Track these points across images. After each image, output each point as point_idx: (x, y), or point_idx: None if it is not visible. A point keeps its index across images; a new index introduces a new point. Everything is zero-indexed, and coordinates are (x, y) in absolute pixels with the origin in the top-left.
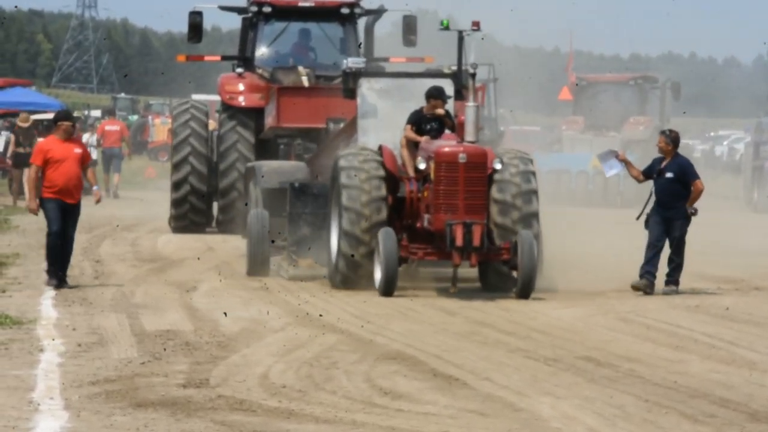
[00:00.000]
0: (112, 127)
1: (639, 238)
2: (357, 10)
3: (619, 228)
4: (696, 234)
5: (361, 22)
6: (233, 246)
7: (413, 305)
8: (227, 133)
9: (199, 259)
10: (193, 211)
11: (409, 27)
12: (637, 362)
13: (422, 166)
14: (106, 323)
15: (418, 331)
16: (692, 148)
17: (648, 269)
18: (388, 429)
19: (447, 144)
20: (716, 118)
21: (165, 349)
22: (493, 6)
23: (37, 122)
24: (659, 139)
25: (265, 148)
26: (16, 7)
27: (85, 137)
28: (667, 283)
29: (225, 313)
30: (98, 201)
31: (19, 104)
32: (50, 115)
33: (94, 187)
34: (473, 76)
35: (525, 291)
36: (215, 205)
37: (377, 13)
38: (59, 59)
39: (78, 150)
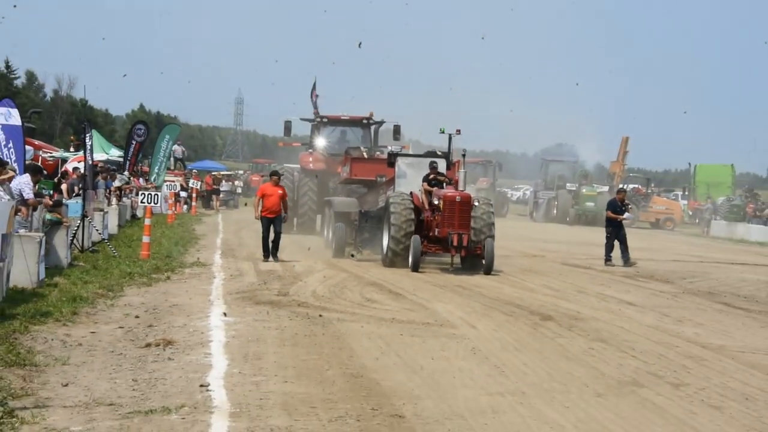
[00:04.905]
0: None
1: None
2: (371, 121)
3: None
4: (506, 234)
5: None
6: (293, 238)
7: (388, 266)
8: (303, 186)
9: (310, 249)
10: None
11: (397, 130)
12: (514, 299)
13: (436, 202)
14: (243, 266)
15: (387, 273)
16: (507, 193)
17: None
18: (368, 316)
19: (449, 191)
20: (516, 179)
21: (269, 279)
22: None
23: (216, 176)
24: (621, 195)
25: (322, 191)
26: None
27: (226, 186)
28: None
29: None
30: (285, 221)
31: (208, 167)
32: (223, 172)
33: (284, 213)
34: (464, 155)
35: (488, 270)
36: (295, 220)
37: (380, 123)
38: (225, 147)
39: (280, 191)
